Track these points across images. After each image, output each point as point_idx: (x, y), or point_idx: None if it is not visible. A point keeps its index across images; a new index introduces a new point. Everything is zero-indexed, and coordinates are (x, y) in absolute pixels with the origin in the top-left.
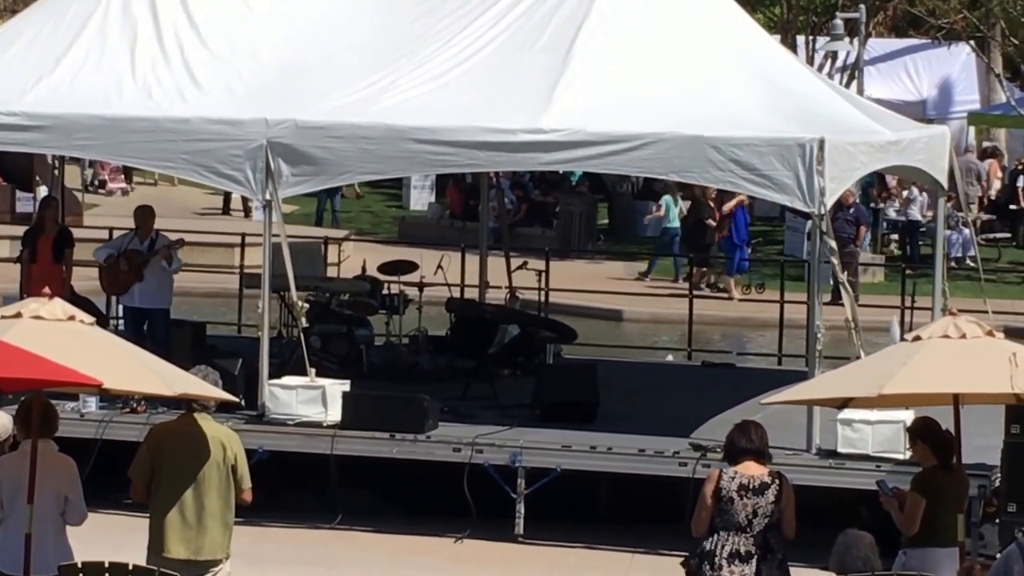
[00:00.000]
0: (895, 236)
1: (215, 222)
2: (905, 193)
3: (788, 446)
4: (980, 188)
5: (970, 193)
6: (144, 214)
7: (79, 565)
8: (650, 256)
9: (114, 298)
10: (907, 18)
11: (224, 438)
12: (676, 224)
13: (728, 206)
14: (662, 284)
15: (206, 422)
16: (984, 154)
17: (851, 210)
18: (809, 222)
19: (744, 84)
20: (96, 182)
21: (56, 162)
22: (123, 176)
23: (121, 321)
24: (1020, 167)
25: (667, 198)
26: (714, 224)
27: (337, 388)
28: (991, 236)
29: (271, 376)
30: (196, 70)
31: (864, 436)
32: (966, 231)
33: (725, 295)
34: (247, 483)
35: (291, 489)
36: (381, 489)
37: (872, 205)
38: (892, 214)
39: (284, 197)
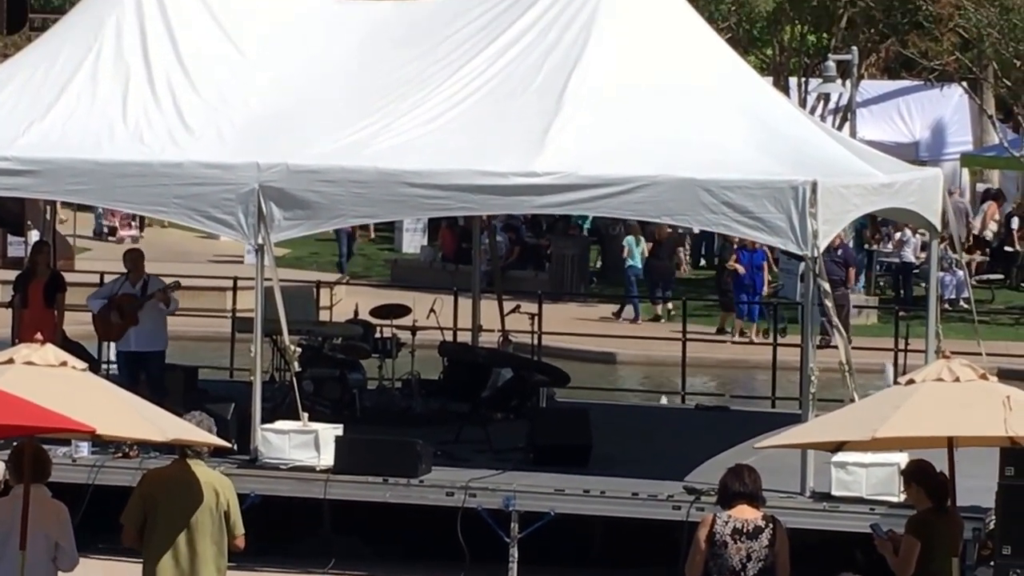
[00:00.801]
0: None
1: (208, 266)
2: (898, 235)
3: (782, 489)
4: (965, 226)
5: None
6: (135, 258)
7: None
8: (622, 298)
9: (107, 343)
10: (899, 60)
11: (217, 484)
12: (638, 264)
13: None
14: (653, 326)
15: (199, 468)
16: (987, 195)
17: (839, 251)
18: (802, 264)
19: (737, 127)
20: (106, 229)
21: (47, 207)
22: (134, 223)
23: (114, 366)
24: (1015, 209)
25: (629, 239)
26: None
27: (330, 432)
28: (984, 278)
29: (264, 420)
30: (188, 114)
31: (858, 479)
32: (960, 273)
33: (744, 339)
34: (240, 529)
35: (284, 534)
36: (374, 534)
37: (866, 247)
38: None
39: (276, 241)
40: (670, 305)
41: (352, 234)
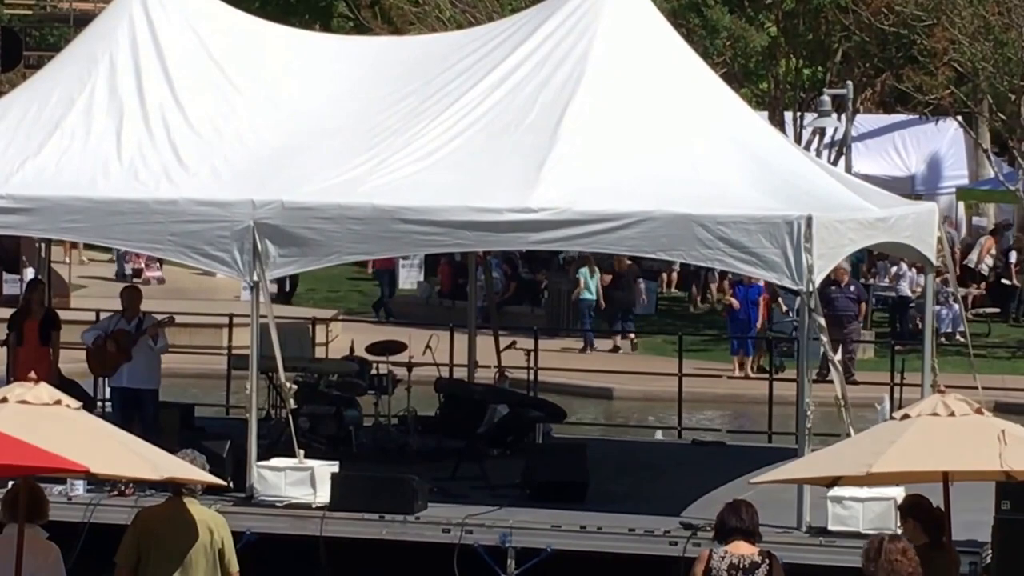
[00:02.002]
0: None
1: (203, 303)
2: (894, 269)
3: (778, 524)
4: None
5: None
6: (131, 295)
7: None
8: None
9: (101, 380)
10: (895, 94)
11: (211, 521)
12: (592, 296)
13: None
14: (653, 360)
15: (193, 506)
16: (995, 230)
17: (851, 287)
18: (798, 299)
19: (731, 162)
20: (130, 271)
21: (42, 245)
22: (154, 263)
23: (109, 404)
24: (1015, 243)
25: (583, 270)
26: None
27: (326, 469)
28: (980, 311)
29: (259, 457)
30: (183, 151)
31: (855, 513)
32: (955, 306)
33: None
34: (234, 567)
35: (280, 572)
36: (371, 571)
37: (862, 281)
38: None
39: (271, 278)
40: (632, 336)
41: (394, 272)
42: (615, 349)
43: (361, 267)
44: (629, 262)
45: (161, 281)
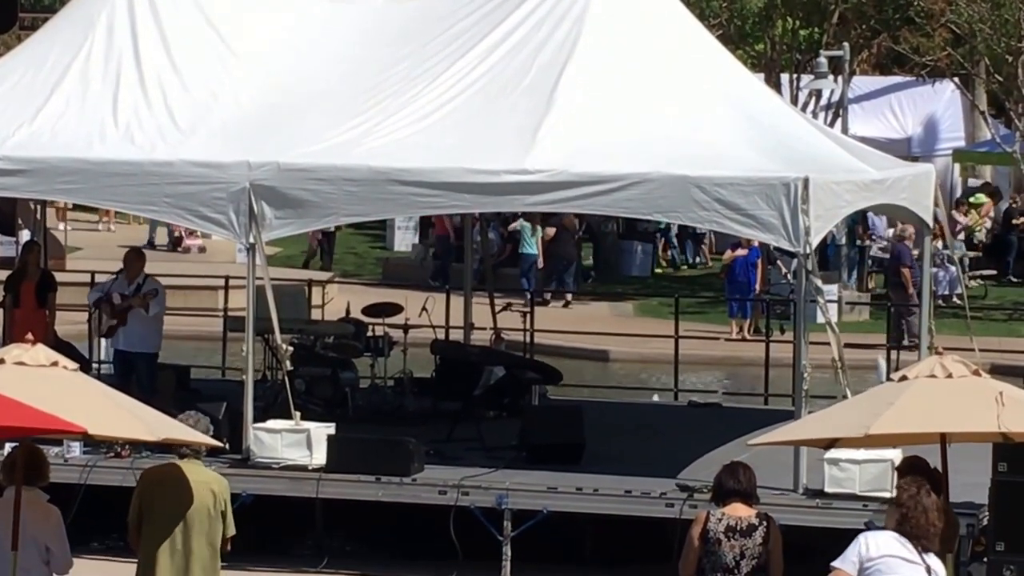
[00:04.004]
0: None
1: (199, 265)
2: (891, 231)
3: (775, 486)
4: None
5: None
6: (132, 257)
7: None
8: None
9: (99, 341)
10: (891, 56)
11: (214, 484)
12: (533, 251)
13: (729, 255)
14: (649, 323)
15: (196, 468)
16: (993, 192)
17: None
18: (795, 261)
19: (728, 123)
20: (171, 239)
21: (37, 206)
22: (198, 232)
23: (105, 365)
24: (1015, 204)
25: (525, 226)
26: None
27: (322, 431)
28: (977, 274)
29: (256, 419)
30: (178, 114)
31: (851, 475)
32: (952, 268)
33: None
34: (231, 530)
35: (277, 533)
36: (367, 533)
37: (858, 243)
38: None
39: (268, 240)
40: (569, 296)
41: (448, 238)
42: (566, 305)
43: (358, 228)
44: (576, 218)
45: (202, 250)
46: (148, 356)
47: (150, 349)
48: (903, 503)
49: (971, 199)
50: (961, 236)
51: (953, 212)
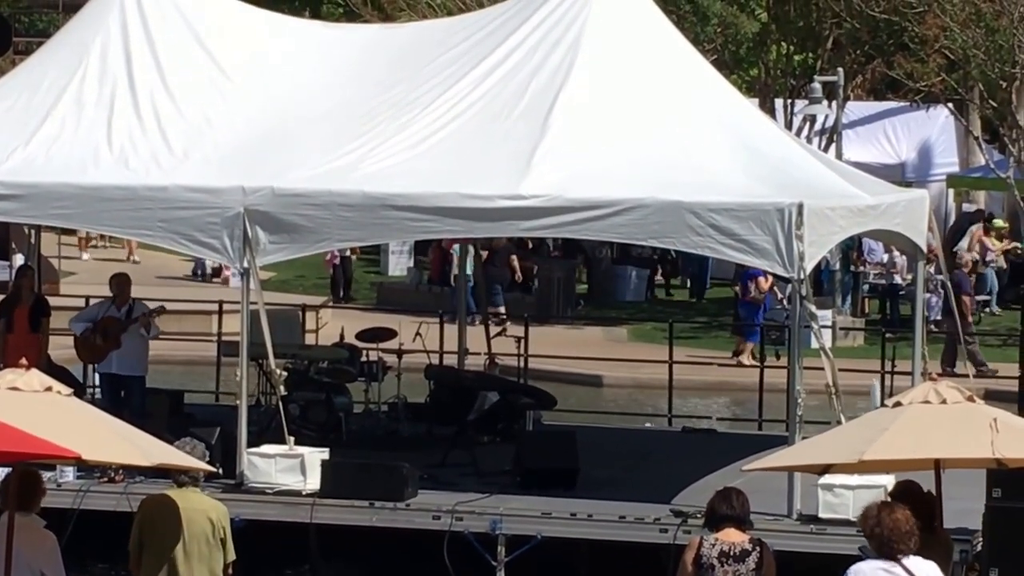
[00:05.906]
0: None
1: (193, 289)
2: (886, 256)
3: (769, 511)
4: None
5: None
6: (121, 282)
7: None
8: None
9: (91, 366)
10: (885, 81)
11: (212, 511)
12: (468, 272)
13: (765, 284)
14: (643, 348)
15: (195, 495)
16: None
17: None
18: (789, 287)
19: (722, 149)
20: (210, 270)
21: (32, 231)
22: None
23: (98, 390)
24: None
25: (458, 247)
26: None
27: (316, 456)
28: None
29: (250, 444)
30: (173, 138)
31: (845, 501)
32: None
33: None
34: (231, 556)
35: (271, 559)
36: (361, 558)
37: (852, 269)
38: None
39: (262, 264)
40: (501, 309)
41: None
42: (502, 323)
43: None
44: (505, 240)
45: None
46: (140, 379)
47: (142, 372)
48: (870, 529)
49: (994, 222)
50: (1000, 262)
51: (983, 239)
